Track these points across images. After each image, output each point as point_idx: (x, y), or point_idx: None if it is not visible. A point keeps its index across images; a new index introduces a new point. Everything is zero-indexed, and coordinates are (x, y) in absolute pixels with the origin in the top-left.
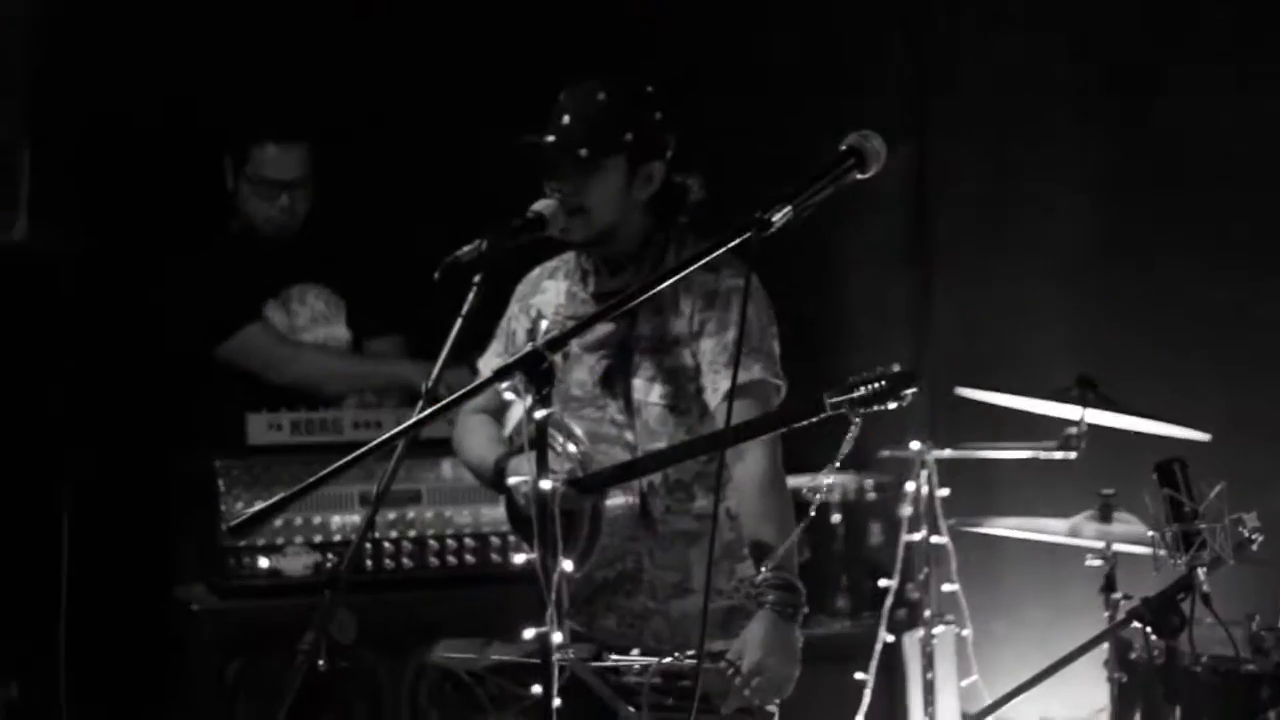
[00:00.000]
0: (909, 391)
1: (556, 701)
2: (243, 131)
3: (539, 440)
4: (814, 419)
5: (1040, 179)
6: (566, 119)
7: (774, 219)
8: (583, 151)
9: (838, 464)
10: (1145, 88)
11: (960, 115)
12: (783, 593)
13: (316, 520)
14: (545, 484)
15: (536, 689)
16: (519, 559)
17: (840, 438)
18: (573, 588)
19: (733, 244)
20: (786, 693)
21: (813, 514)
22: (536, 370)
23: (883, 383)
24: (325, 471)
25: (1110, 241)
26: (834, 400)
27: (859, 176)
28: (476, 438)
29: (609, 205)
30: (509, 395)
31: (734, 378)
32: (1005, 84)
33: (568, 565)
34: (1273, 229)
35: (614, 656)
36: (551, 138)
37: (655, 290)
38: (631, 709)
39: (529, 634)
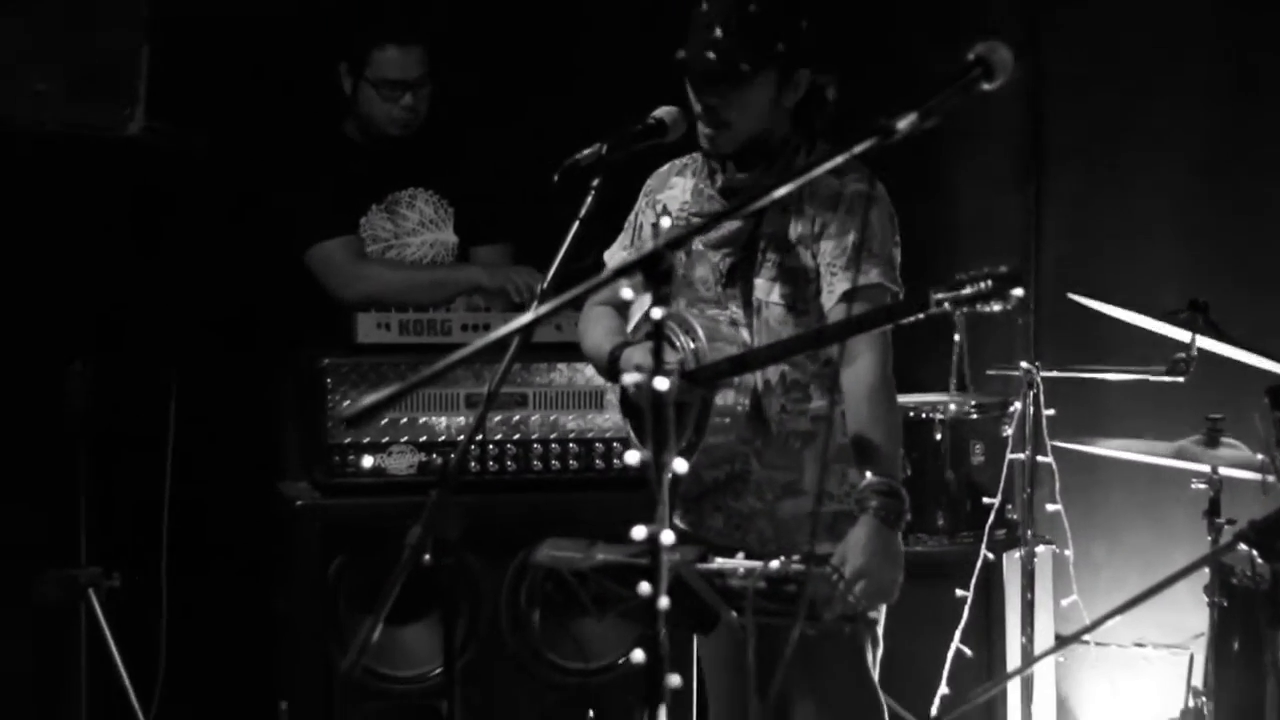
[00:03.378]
0: (1015, 292)
1: (664, 601)
2: (362, 35)
3: (656, 340)
4: (919, 315)
5: (1158, 96)
6: (718, 32)
7: (900, 125)
8: (744, 67)
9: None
10: (1274, 4)
11: (1078, 30)
12: (887, 499)
13: (421, 421)
14: (661, 383)
15: (643, 588)
16: (632, 457)
17: (948, 352)
18: (681, 487)
19: (859, 149)
20: (891, 598)
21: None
22: (656, 270)
23: (989, 282)
24: (442, 364)
25: (1226, 165)
26: (940, 297)
27: (985, 86)
28: (598, 328)
29: (756, 117)
30: (627, 293)
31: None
32: None
33: (681, 466)
34: None
35: (719, 560)
36: (711, 54)
37: (780, 194)
38: (735, 614)
39: (638, 532)
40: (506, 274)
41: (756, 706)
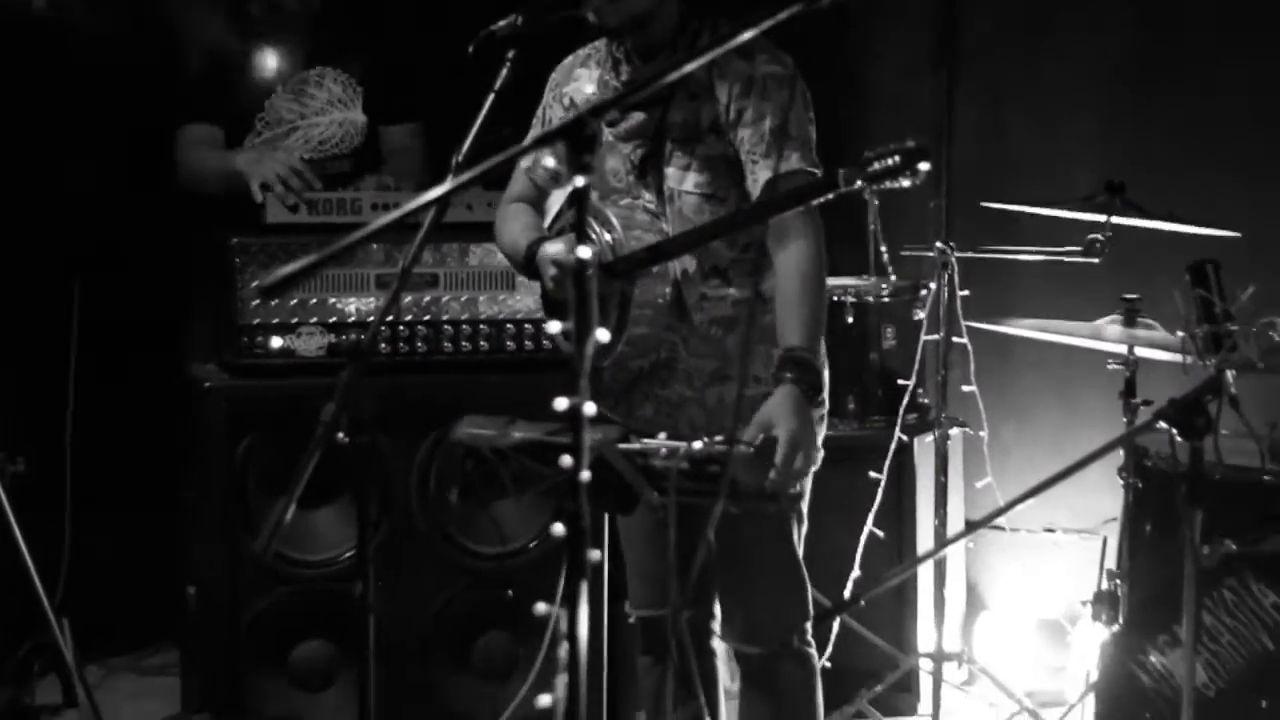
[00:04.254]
0: (923, 167)
1: (585, 475)
2: None
3: (579, 206)
4: (829, 195)
5: None
6: None
7: None
8: None
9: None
10: None
11: None
12: (803, 370)
13: (331, 302)
14: (584, 251)
15: (564, 461)
16: (553, 326)
17: (857, 234)
18: (608, 377)
19: (784, 15)
20: (814, 464)
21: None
22: (579, 137)
23: (896, 158)
24: (361, 233)
25: (1143, 51)
26: (848, 174)
27: None
28: (514, 225)
29: None
30: (549, 161)
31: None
32: None
33: (603, 335)
34: None
35: (643, 440)
36: None
37: (689, 69)
38: (657, 494)
39: (559, 403)
40: (269, 164)
41: (676, 586)
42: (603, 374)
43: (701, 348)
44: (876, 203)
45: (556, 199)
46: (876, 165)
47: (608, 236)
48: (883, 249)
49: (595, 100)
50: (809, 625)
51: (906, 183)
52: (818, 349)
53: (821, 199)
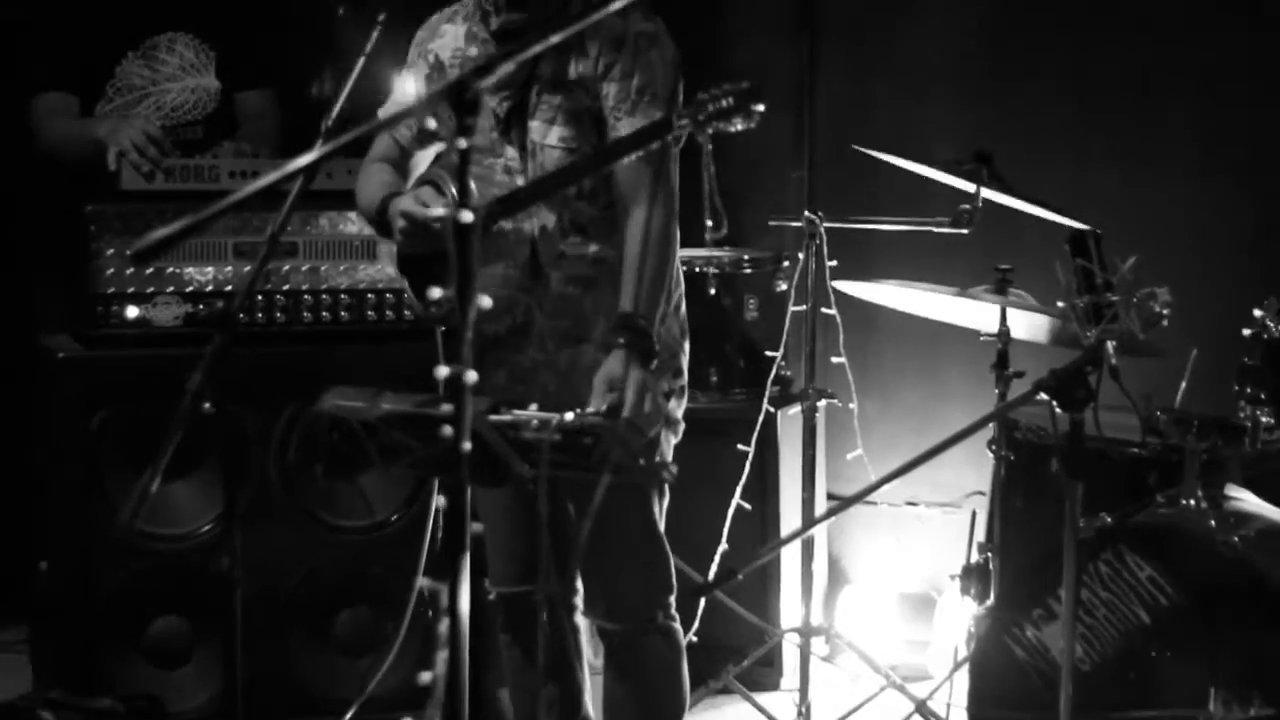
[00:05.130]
0: (757, 108)
1: (466, 446)
2: None
3: (462, 168)
4: (665, 136)
5: None
6: None
7: None
8: None
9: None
10: None
11: None
12: (636, 335)
13: (188, 271)
14: (467, 216)
15: (445, 431)
16: (435, 293)
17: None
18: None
19: None
20: (661, 417)
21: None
22: (462, 99)
23: (730, 99)
24: (235, 197)
25: (1006, 22)
26: (682, 115)
27: None
28: (372, 182)
29: None
30: (431, 123)
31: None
32: None
33: (486, 301)
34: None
35: (513, 411)
36: None
37: (571, 33)
38: (528, 466)
39: (440, 372)
40: (126, 131)
41: (547, 562)
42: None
43: (556, 307)
44: (710, 147)
45: (422, 159)
46: (710, 106)
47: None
48: (717, 199)
49: (476, 60)
50: (673, 600)
51: (740, 124)
52: (653, 316)
53: (658, 140)
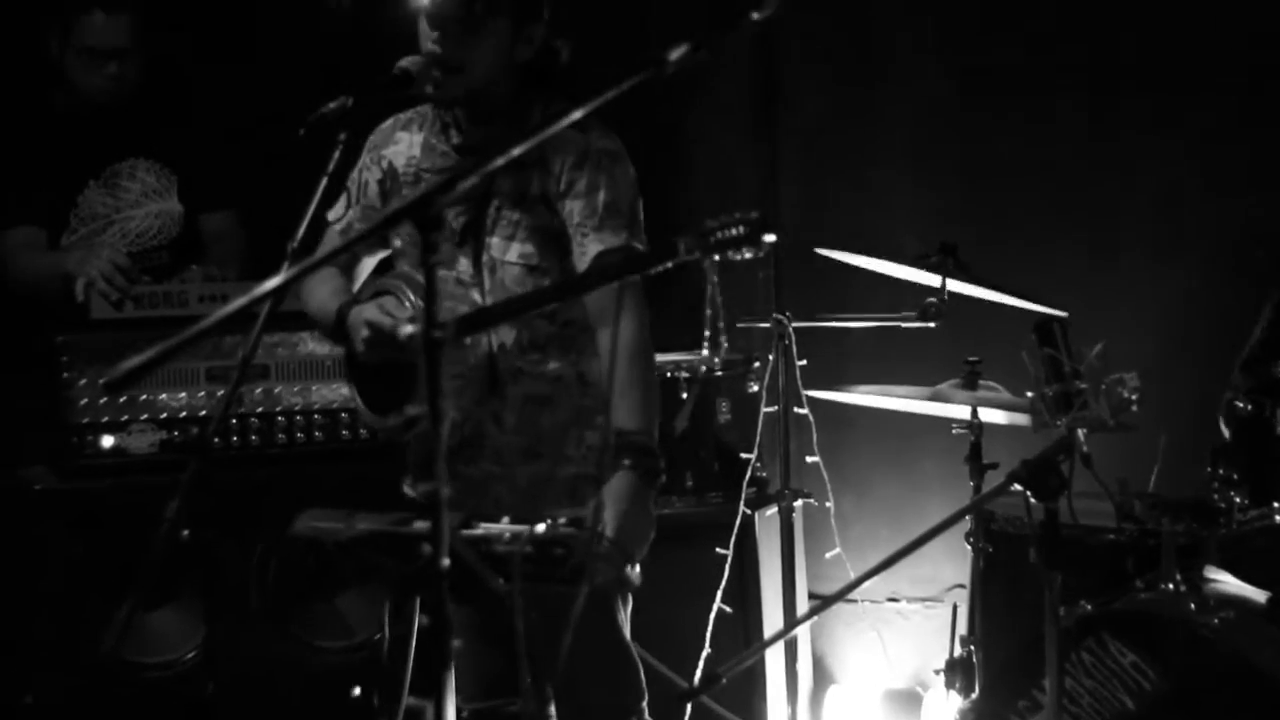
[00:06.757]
0: (767, 238)
1: (445, 561)
2: (68, 1)
3: (429, 285)
4: (668, 263)
5: (892, 48)
6: None
7: (672, 56)
8: (477, 7)
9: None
10: None
11: None
12: (641, 456)
13: (161, 397)
14: (439, 332)
15: (424, 549)
16: (413, 409)
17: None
18: (413, 454)
19: (628, 85)
20: (639, 554)
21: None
22: (426, 215)
23: (741, 228)
24: (206, 323)
25: (962, 110)
26: (689, 244)
27: (755, 16)
28: (324, 289)
29: (488, 65)
30: (396, 241)
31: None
32: None
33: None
34: (1114, 88)
35: (484, 525)
36: None
37: (529, 146)
38: (502, 580)
39: (419, 487)
40: (94, 262)
41: (527, 674)
42: (407, 449)
43: (514, 424)
44: (716, 278)
45: (367, 265)
46: (720, 235)
47: (419, 302)
48: (721, 323)
49: (434, 173)
50: (644, 706)
51: (750, 254)
52: (654, 431)
53: (659, 268)
